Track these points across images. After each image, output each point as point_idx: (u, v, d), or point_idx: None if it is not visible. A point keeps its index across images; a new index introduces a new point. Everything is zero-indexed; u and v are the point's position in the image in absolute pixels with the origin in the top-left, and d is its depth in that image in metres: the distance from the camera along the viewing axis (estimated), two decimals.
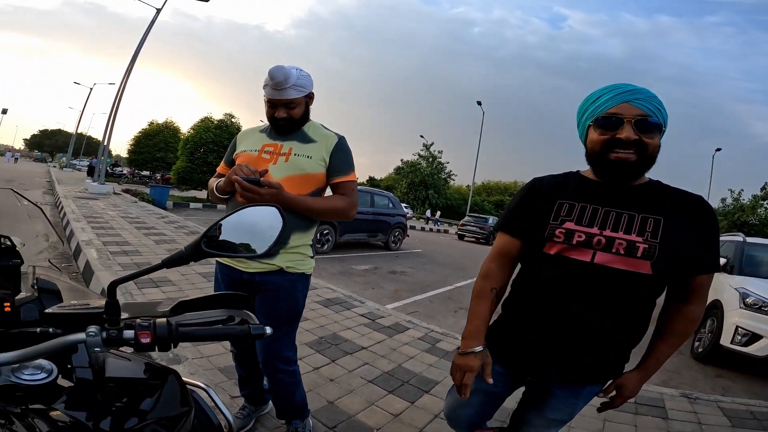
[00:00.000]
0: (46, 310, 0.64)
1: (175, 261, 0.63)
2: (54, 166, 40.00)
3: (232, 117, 16.80)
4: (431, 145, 42.20)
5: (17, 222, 1.19)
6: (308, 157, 1.55)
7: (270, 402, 2.01)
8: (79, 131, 45.96)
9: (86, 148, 56.81)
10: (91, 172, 20.09)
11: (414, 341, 3.36)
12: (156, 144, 23.21)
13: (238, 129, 16.53)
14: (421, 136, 44.28)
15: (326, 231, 8.21)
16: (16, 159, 43.07)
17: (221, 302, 0.74)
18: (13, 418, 0.51)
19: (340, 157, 1.60)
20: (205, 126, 16.00)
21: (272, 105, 1.54)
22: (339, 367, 2.68)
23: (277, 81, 1.46)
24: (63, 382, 0.65)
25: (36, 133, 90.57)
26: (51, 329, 0.64)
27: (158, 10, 14.60)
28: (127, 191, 15.01)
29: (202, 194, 17.20)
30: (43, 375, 0.61)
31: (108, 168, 20.33)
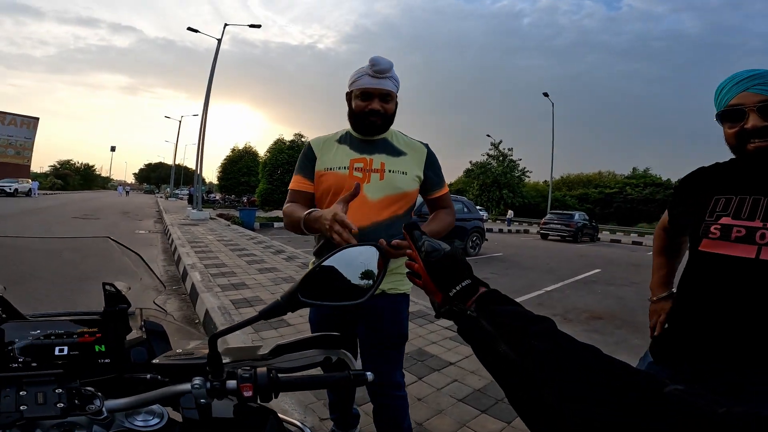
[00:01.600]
0: (153, 361, 0.65)
1: (271, 312, 0.62)
2: (161, 197, 45.73)
3: (302, 136, 17.92)
4: (499, 143, 40.35)
5: (122, 268, 1.24)
6: (403, 173, 1.40)
7: (357, 426, 1.97)
8: (177, 162, 52.44)
9: (184, 177, 64.30)
10: (191, 200, 22.59)
11: None
12: (240, 169, 25.30)
13: (309, 146, 17.54)
14: (488, 135, 42.50)
15: None
16: (128, 192, 49.79)
17: (317, 343, 0.73)
18: None
19: (434, 169, 1.49)
20: (279, 148, 17.23)
21: (366, 96, 1.37)
22: (426, 385, 2.57)
23: (380, 67, 1.33)
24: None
25: (142, 167, 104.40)
26: (159, 377, 0.66)
27: (219, 41, 16.13)
28: (220, 215, 16.62)
29: None
30: (156, 420, 0.63)
31: (203, 195, 22.44)
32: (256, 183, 22.04)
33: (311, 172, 1.46)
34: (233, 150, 26.34)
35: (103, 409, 0.55)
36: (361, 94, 1.38)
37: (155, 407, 0.64)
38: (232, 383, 0.59)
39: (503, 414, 2.24)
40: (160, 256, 7.68)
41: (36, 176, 44.01)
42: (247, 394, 0.58)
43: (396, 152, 1.43)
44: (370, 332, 1.51)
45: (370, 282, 0.68)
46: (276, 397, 0.60)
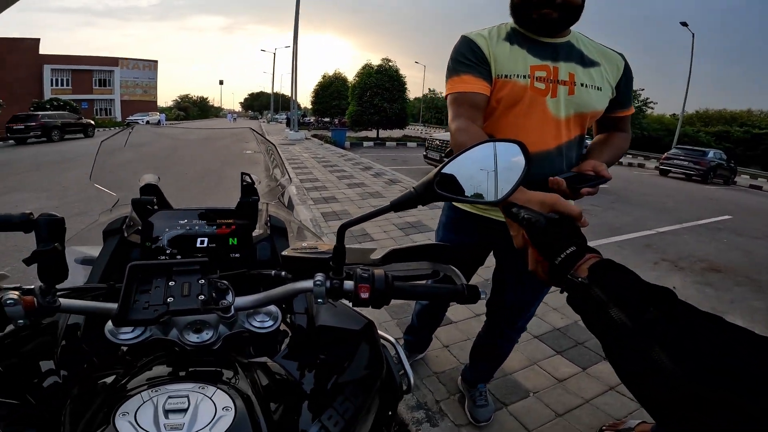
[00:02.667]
0: (282, 253, 0.62)
1: (403, 203, 0.55)
2: (263, 121, 49.44)
3: (389, 61, 18.07)
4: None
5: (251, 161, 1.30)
6: (598, 88, 1.10)
7: (425, 352, 1.98)
8: (275, 91, 55.81)
9: (282, 103, 68.27)
10: (288, 123, 24.08)
11: None
12: (331, 93, 26.50)
13: (396, 71, 17.70)
14: None
15: None
16: (235, 119, 54.66)
17: (426, 253, 0.69)
18: (240, 370, 0.51)
19: (628, 84, 1.17)
20: (367, 72, 17.73)
21: None
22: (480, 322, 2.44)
23: None
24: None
25: (246, 96, 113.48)
26: (284, 273, 0.64)
27: None
28: (314, 136, 17.61)
29: (372, 133, 18.85)
30: (271, 322, 0.62)
31: (299, 118, 23.87)
32: (346, 105, 22.48)
33: (488, 73, 1.08)
34: (324, 76, 27.45)
35: (233, 306, 0.54)
36: None
37: (272, 308, 0.63)
38: (349, 284, 0.56)
39: (581, 359, 2.04)
40: (262, 173, 8.37)
41: (162, 110, 49.72)
42: (364, 296, 0.55)
43: (588, 62, 1.11)
44: (515, 261, 1.28)
45: (513, 180, 0.59)
46: (388, 303, 0.56)
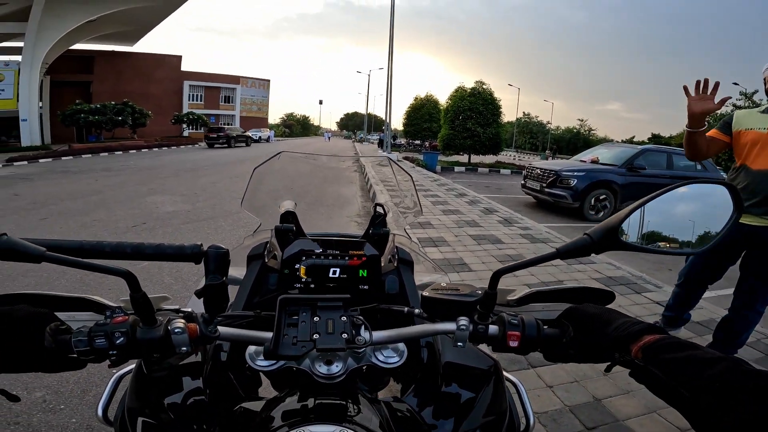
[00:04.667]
0: (423, 293, 0.60)
1: (573, 251, 0.52)
2: (354, 141, 52.16)
3: (483, 84, 17.71)
4: (753, 93, 29.11)
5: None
6: None
7: (680, 329, 2.57)
8: (368, 111, 58.90)
9: (375, 124, 71.47)
10: (380, 144, 25.17)
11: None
12: (422, 116, 26.96)
13: (491, 94, 17.45)
14: (735, 84, 31.04)
15: (602, 196, 7.26)
16: (330, 138, 58.44)
17: (574, 296, 0.65)
18: (368, 405, 0.51)
19: None
20: (460, 95, 17.50)
21: None
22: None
23: None
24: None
25: (342, 116, 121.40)
26: (417, 311, 0.62)
27: None
28: (406, 158, 18.05)
29: (464, 158, 18.78)
30: (396, 358, 0.61)
31: (391, 140, 24.77)
32: (437, 129, 23.20)
33: (728, 132, 2.08)
34: (416, 99, 28.04)
35: (371, 341, 0.54)
36: None
37: (400, 345, 0.62)
38: (494, 329, 0.54)
39: None
40: (359, 192, 8.91)
41: (271, 126, 55.76)
42: (513, 344, 0.52)
43: None
44: (759, 259, 2.01)
45: (716, 230, 0.54)
46: (534, 351, 0.54)
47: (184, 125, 32.40)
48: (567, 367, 2.20)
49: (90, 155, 16.01)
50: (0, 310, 0.45)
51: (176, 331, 0.49)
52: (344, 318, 0.53)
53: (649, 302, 3.18)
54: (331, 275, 0.71)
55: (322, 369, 0.54)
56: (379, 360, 0.60)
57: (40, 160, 13.60)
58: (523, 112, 59.34)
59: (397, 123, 50.80)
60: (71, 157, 14.91)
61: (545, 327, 0.54)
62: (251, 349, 0.59)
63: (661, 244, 0.54)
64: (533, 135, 54.29)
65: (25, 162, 12.97)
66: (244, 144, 26.46)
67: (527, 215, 6.76)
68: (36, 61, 19.79)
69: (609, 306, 0.59)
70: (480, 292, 0.56)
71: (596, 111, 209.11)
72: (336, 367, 0.55)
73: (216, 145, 23.49)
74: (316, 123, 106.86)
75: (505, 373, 0.70)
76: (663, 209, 0.53)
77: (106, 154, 16.89)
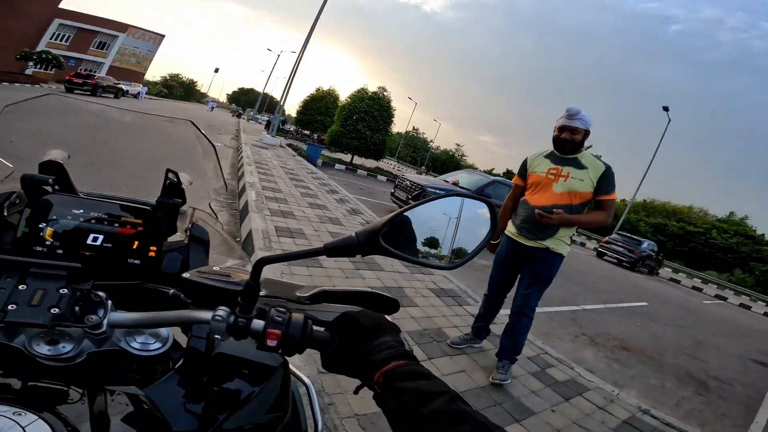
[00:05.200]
0: (183, 275, 0.54)
1: (340, 249, 0.49)
2: (243, 119, 48.56)
3: (385, 90, 18.27)
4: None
5: (193, 158, 1.20)
6: (581, 180, 2.33)
7: (482, 342, 2.95)
8: (265, 91, 55.48)
9: (268, 106, 67.69)
10: (268, 126, 23.85)
11: (522, 359, 3.04)
12: (319, 108, 26.46)
13: (388, 102, 18.05)
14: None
15: None
16: (213, 108, 53.41)
17: (366, 300, 0.63)
18: (94, 396, 0.43)
19: (605, 181, 2.34)
20: (360, 96, 17.81)
21: (561, 130, 2.38)
22: (433, 367, 2.50)
23: (571, 112, 2.34)
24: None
25: (236, 90, 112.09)
26: (182, 295, 0.56)
27: None
28: (290, 145, 17.53)
29: (347, 157, 18.89)
30: (157, 345, 0.55)
31: (279, 125, 23.60)
32: (329, 123, 22.83)
33: (525, 176, 2.59)
34: (317, 90, 27.50)
35: (104, 322, 0.48)
36: (559, 128, 2.40)
37: (163, 330, 0.56)
38: (258, 324, 0.48)
39: (496, 419, 2.18)
40: (226, 169, 8.23)
41: (147, 83, 48.63)
42: (271, 343, 0.47)
43: (581, 166, 2.37)
44: (529, 270, 2.51)
45: (472, 247, 0.54)
46: (301, 352, 0.49)
47: (30, 63, 26.47)
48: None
49: None
50: None
51: None
52: (65, 291, 0.46)
53: (466, 314, 3.61)
54: (90, 242, 0.58)
55: (42, 349, 0.47)
56: (131, 345, 0.53)
57: None
58: (413, 127, 63.63)
59: (292, 110, 49.07)
60: None
61: (318, 329, 0.50)
62: None
63: (421, 253, 0.52)
64: (416, 149, 58.45)
65: None
66: (113, 96, 23.65)
67: None
68: None
69: (389, 317, 0.56)
70: (246, 281, 0.50)
71: (473, 139, 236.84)
72: (63, 348, 0.48)
73: (77, 91, 20.01)
74: (204, 90, 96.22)
75: (297, 371, 0.65)
76: (428, 217, 0.52)
77: None
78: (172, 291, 0.57)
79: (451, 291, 4.11)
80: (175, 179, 0.75)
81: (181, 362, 0.56)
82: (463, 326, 3.28)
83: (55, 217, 0.58)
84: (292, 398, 0.62)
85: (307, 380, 0.69)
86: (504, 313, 2.92)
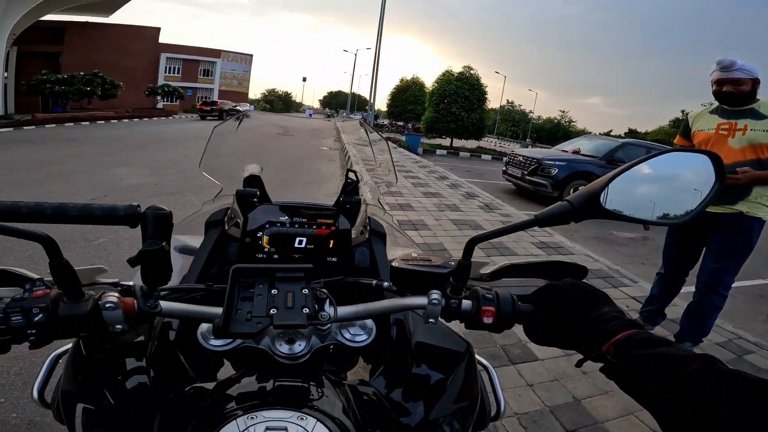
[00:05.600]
0: (392, 264, 0.55)
1: (553, 218, 0.47)
2: (337, 119, 51.50)
3: (471, 69, 17.85)
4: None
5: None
6: (764, 130, 2.03)
7: (655, 327, 2.60)
8: (352, 91, 58.27)
9: (359, 104, 70.55)
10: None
11: (709, 346, 2.54)
12: (407, 98, 26.82)
13: (477, 80, 17.56)
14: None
15: (582, 186, 7.31)
16: (311, 115, 57.65)
17: (547, 270, 0.63)
18: (333, 389, 0.47)
19: None
20: (447, 79, 17.57)
21: (719, 83, 2.10)
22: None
23: (723, 64, 2.05)
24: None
25: (326, 94, 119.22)
26: (386, 284, 0.58)
27: None
28: (388, 138, 17.90)
29: (446, 141, 18.54)
30: (365, 336, 0.57)
31: (373, 120, 24.72)
32: (421, 111, 23.19)
33: (688, 135, 2.32)
34: (402, 80, 27.86)
35: (334, 317, 0.49)
36: (716, 81, 2.13)
37: (368, 321, 0.58)
38: (467, 304, 0.50)
39: None
40: (338, 171, 8.70)
41: (251, 102, 54.85)
42: (487, 320, 0.48)
43: (759, 116, 2.05)
44: (720, 240, 2.18)
45: (698, 200, 0.50)
46: (509, 328, 0.49)
47: (159, 97, 31.31)
48: (547, 364, 2.14)
49: (54, 125, 15.18)
50: None
51: (108, 306, 0.42)
52: (306, 291, 0.48)
53: (625, 297, 3.18)
54: (296, 245, 0.65)
55: (284, 348, 0.51)
56: (345, 338, 0.56)
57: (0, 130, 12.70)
58: (507, 100, 59.40)
59: (381, 104, 50.41)
60: (33, 127, 14.06)
61: (520, 303, 0.50)
62: (204, 326, 0.54)
63: (642, 212, 0.50)
64: (515, 123, 54.77)
65: None
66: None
67: (507, 202, 6.74)
68: (3, 31, 18.61)
69: (584, 281, 0.54)
70: (453, 263, 0.51)
71: (577, 103, 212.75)
72: (299, 346, 0.51)
73: (208, 117, 24.68)
74: (298, 100, 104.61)
75: (476, 356, 0.67)
76: (644, 177, 0.49)
77: (72, 124, 16.01)
78: (375, 282, 0.60)
79: (601, 271, 3.67)
80: (355, 178, 0.79)
81: (389, 354, 0.60)
82: (627, 311, 2.88)
83: (267, 226, 0.65)
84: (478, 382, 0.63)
85: (487, 363, 0.70)
86: (686, 290, 2.48)
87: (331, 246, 0.66)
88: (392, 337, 0.63)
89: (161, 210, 0.44)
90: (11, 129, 13.16)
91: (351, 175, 0.81)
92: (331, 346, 0.56)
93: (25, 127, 13.77)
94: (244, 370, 0.50)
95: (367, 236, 0.77)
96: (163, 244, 0.43)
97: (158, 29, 37.47)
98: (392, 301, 0.52)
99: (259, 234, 0.64)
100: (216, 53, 42.97)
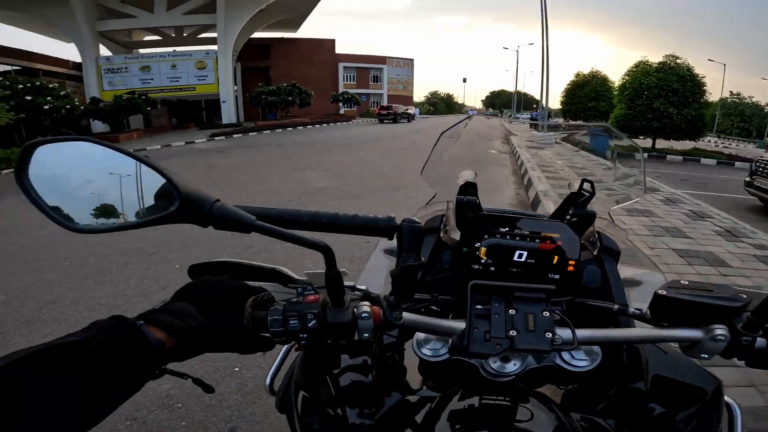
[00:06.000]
0: (658, 291, 0.48)
1: None
2: (503, 120, 49.40)
3: (677, 58, 14.97)
4: None
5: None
6: None
7: None
8: (517, 89, 55.44)
9: (525, 103, 66.30)
10: (534, 125, 23.11)
11: None
12: (586, 94, 24.09)
13: (689, 70, 14.78)
14: None
15: None
16: (470, 116, 58.14)
17: None
18: (545, 410, 0.47)
19: None
20: (644, 70, 15.11)
21: None
22: None
23: None
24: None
25: (488, 94, 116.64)
26: (634, 310, 0.52)
27: None
28: (565, 140, 15.86)
29: (645, 143, 15.31)
30: (587, 363, 0.52)
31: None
32: (605, 108, 21.46)
33: None
34: (577, 75, 25.32)
35: (573, 342, 0.46)
36: None
37: (595, 348, 0.52)
38: (762, 341, 0.44)
39: None
40: (510, 177, 7.96)
41: (416, 104, 57.92)
42: None
43: None
44: None
45: None
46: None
47: (340, 104, 35.47)
48: None
49: (269, 131, 19.01)
50: (201, 280, 0.48)
51: (363, 315, 0.44)
52: (546, 313, 0.47)
53: None
54: (516, 259, 0.60)
55: (496, 365, 0.49)
56: (564, 360, 0.52)
57: (234, 135, 16.58)
58: (730, 92, 46.09)
59: (554, 102, 46.16)
60: (255, 133, 17.88)
61: None
62: (420, 335, 0.55)
63: None
64: (744, 118, 42.51)
65: (223, 137, 16.32)
66: (406, 120, 30.06)
67: (759, 226, 4.82)
68: (227, 48, 23.24)
69: None
70: (745, 296, 0.45)
71: None
72: (513, 365, 0.49)
73: (385, 121, 28.12)
74: (460, 101, 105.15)
75: (727, 398, 0.58)
76: None
77: (280, 130, 19.69)
78: (617, 306, 0.55)
79: None
80: (591, 189, 0.72)
81: (617, 386, 0.56)
82: None
83: (486, 236, 0.61)
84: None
85: (733, 403, 0.60)
86: None
87: (555, 262, 0.60)
88: (623, 365, 0.58)
89: (415, 223, 0.46)
90: (241, 135, 17.01)
91: (586, 184, 0.74)
92: (551, 368, 0.52)
93: (250, 133, 17.67)
94: (454, 387, 0.53)
95: (596, 253, 0.71)
96: (422, 260, 0.45)
97: (333, 41, 41.05)
98: (647, 330, 0.49)
99: (477, 244, 0.62)
100: (382, 60, 45.76)
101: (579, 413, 0.52)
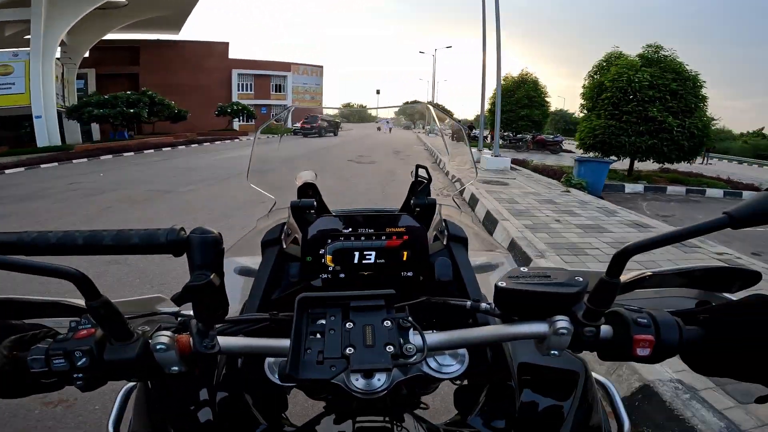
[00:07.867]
0: (498, 283, 0.43)
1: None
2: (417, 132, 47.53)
3: (660, 49, 10.76)
4: None
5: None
6: None
7: None
8: (431, 101, 53.39)
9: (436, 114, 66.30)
10: (472, 137, 19.20)
11: None
12: (518, 100, 21.09)
13: (681, 65, 10.47)
14: None
15: None
16: (390, 129, 56.65)
17: (705, 280, 0.51)
18: (417, 425, 0.46)
19: None
20: (631, 64, 10.53)
21: None
22: None
23: None
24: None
25: (404, 103, 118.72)
26: (485, 305, 0.49)
27: None
28: (522, 164, 11.72)
29: (622, 165, 11.35)
30: (456, 367, 0.50)
31: (468, 132, 19.62)
32: (539, 117, 20.20)
33: None
34: (506, 78, 21.33)
35: (423, 350, 0.42)
36: None
37: (461, 350, 0.51)
38: (608, 330, 0.41)
39: None
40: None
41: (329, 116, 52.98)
42: (642, 352, 0.39)
43: None
44: None
45: None
46: (670, 357, 0.41)
47: (234, 117, 29.00)
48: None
49: (86, 160, 12.23)
50: None
51: (159, 348, 0.39)
52: (387, 322, 0.43)
53: None
54: (365, 261, 0.59)
55: (359, 383, 0.45)
56: (431, 368, 0.50)
57: (16, 170, 9.70)
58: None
59: (472, 112, 44.86)
60: (56, 164, 11.06)
61: (687, 327, 0.41)
62: (271, 359, 0.51)
63: None
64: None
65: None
66: (332, 134, 26.39)
67: None
68: (48, 50, 16.94)
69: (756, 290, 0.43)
70: (581, 279, 0.41)
71: None
72: (378, 381, 0.45)
73: (309, 135, 23.43)
74: (374, 114, 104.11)
75: (596, 375, 0.58)
76: None
77: (111, 156, 13.06)
78: (470, 303, 0.51)
79: None
80: (427, 175, 0.71)
81: (487, 381, 0.55)
82: None
83: (329, 241, 0.58)
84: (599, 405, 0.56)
85: (604, 380, 0.63)
86: None
87: (405, 258, 0.59)
88: (488, 362, 0.56)
89: (209, 233, 0.38)
90: (23, 168, 10.08)
91: (422, 172, 0.71)
92: (419, 378, 0.50)
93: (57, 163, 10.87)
94: (323, 411, 0.50)
95: (445, 243, 0.67)
96: (212, 276, 0.37)
97: (227, 44, 34.82)
98: (496, 328, 0.45)
99: (321, 251, 0.58)
100: (286, 66, 39.82)
101: (453, 426, 0.50)
